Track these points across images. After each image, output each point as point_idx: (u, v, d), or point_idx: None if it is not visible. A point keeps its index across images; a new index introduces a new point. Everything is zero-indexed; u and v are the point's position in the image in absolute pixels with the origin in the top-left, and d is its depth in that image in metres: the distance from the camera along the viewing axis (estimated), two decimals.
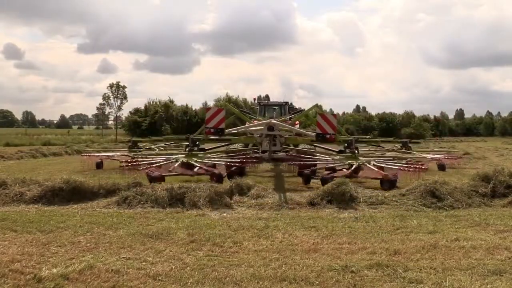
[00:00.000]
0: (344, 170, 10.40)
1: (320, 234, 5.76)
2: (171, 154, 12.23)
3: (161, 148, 16.60)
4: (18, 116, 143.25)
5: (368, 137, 26.77)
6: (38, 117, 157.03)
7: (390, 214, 7.01)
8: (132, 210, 7.32)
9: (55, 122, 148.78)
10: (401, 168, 10.45)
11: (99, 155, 15.49)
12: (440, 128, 77.00)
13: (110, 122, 71.16)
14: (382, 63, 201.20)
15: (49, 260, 4.66)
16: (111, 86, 50.93)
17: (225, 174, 10.29)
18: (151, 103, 64.10)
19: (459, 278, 4.10)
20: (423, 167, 10.43)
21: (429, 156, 15.56)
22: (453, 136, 73.00)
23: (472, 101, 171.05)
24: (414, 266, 4.45)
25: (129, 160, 11.34)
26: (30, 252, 4.91)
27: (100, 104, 54.36)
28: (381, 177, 9.69)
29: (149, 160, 11.23)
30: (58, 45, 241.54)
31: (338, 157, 11.86)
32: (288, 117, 16.53)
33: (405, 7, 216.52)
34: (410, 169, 10.16)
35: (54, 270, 4.22)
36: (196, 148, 12.00)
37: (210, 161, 11.25)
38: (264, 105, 19.88)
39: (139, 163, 10.71)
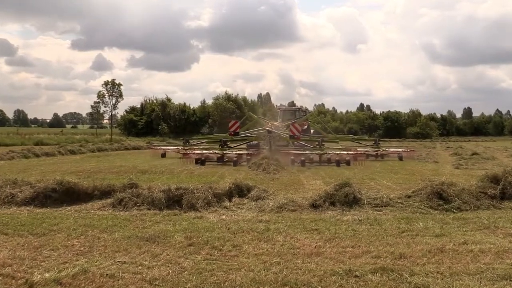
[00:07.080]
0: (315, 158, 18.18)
1: (323, 237, 5.68)
2: (211, 149, 20.30)
3: (205, 143, 23.50)
4: (10, 114, 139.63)
5: (346, 135, 37.22)
6: (30, 115, 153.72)
7: (395, 216, 6.90)
8: (127, 212, 7.23)
9: (48, 121, 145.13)
10: (344, 154, 18.09)
11: (163, 148, 23.20)
12: (447, 127, 74.96)
13: (105, 121, 70.71)
14: (386, 60, 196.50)
15: (41, 264, 4.59)
16: (106, 83, 50.10)
17: (242, 160, 17.60)
18: (148, 101, 63.89)
19: (467, 283, 4.02)
20: (361, 153, 19.30)
21: (391, 150, 22.37)
22: (461, 136, 69.18)
23: (480, 99, 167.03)
24: (420, 270, 4.37)
25: (188, 151, 20.18)
26: (21, 256, 4.83)
27: (95, 102, 53.32)
28: (333, 161, 17.31)
29: (199, 151, 19.52)
30: (51, 41, 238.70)
31: (313, 150, 18.90)
32: (295, 120, 23.34)
33: (408, 1, 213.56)
34: (350, 155, 17.90)
35: (47, 275, 4.16)
36: (225, 146, 19.38)
37: (234, 153, 18.78)
38: (283, 110, 27.84)
39: (195, 152, 19.46)
